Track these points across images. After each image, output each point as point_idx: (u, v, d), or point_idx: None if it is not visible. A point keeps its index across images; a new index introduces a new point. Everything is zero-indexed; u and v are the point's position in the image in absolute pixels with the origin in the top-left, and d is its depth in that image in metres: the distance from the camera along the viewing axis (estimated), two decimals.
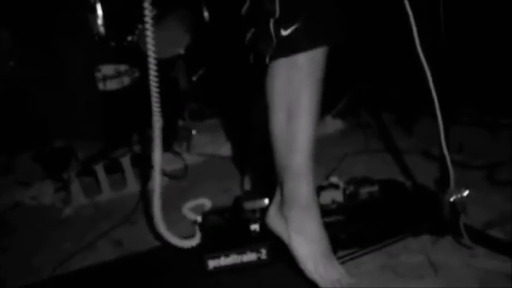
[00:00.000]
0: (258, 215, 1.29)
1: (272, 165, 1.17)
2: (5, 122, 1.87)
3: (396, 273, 1.16)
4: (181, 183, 1.78)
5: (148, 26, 1.14)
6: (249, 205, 1.31)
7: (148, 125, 1.86)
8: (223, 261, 1.23)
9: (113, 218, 1.61)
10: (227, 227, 1.32)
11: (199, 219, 1.37)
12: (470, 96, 1.88)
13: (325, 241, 1.14)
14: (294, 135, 1.08)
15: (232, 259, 1.23)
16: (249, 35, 1.12)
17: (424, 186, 1.41)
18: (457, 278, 1.12)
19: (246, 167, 1.64)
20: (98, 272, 1.35)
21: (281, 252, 1.21)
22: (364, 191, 1.37)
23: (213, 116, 2.15)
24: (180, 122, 2.04)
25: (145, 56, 1.93)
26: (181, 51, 2.06)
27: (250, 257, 1.22)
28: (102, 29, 1.91)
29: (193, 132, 2.03)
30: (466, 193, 1.19)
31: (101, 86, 1.82)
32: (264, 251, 1.22)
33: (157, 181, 1.26)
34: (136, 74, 1.88)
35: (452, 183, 1.20)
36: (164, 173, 1.83)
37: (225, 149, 1.96)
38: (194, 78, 2.15)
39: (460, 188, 1.21)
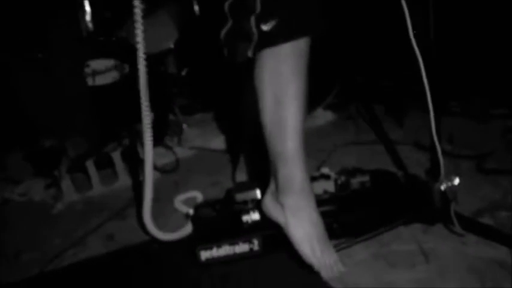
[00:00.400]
0: (250, 206, 1.29)
1: (264, 155, 1.19)
2: None
3: (388, 262, 1.17)
4: (172, 176, 1.78)
5: (137, 18, 1.14)
6: (240, 196, 1.30)
7: (139, 119, 1.87)
8: (216, 252, 1.23)
9: (104, 213, 1.60)
10: (219, 219, 1.32)
11: (191, 211, 1.37)
12: (460, 88, 1.88)
13: (321, 226, 1.15)
14: (284, 123, 1.11)
15: (225, 250, 1.23)
16: (224, 31, 1.17)
17: (415, 175, 1.41)
18: (449, 265, 1.12)
19: (237, 160, 1.64)
20: (89, 267, 1.34)
21: (273, 243, 1.22)
22: (356, 181, 1.37)
23: (203, 110, 2.15)
24: (171, 117, 2.03)
25: (134, 51, 1.92)
26: (171, 45, 2.05)
27: (242, 248, 1.22)
28: (90, 25, 1.89)
29: (184, 126, 2.02)
30: (456, 181, 1.19)
31: (90, 81, 1.80)
32: (256, 242, 1.22)
33: (148, 176, 1.28)
34: (126, 69, 1.87)
35: (442, 172, 1.21)
36: (155, 167, 1.82)
37: (216, 143, 1.96)
38: (184, 73, 2.14)
39: (450, 176, 1.21)
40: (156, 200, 1.62)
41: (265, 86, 1.12)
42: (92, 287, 1.25)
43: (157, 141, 1.91)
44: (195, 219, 1.34)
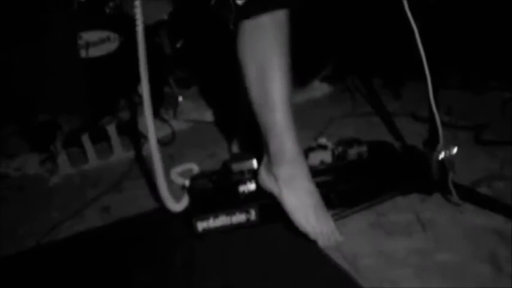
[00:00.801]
0: (246, 176, 1.28)
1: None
2: None
3: (385, 231, 1.17)
4: (168, 149, 1.76)
5: None
6: (237, 167, 1.30)
7: (133, 91, 1.85)
8: (212, 223, 1.22)
9: (100, 186, 1.59)
10: (216, 189, 1.31)
11: (187, 183, 1.36)
12: (458, 59, 1.87)
13: (316, 195, 1.15)
14: (270, 94, 1.12)
15: (221, 221, 1.22)
16: (213, 1, 1.18)
17: (413, 146, 1.41)
18: (446, 234, 1.13)
19: (234, 131, 1.63)
20: (85, 239, 1.33)
21: (270, 212, 1.21)
22: (353, 151, 1.36)
23: (198, 82, 2.12)
24: (166, 89, 2.01)
25: (129, 21, 1.88)
26: (165, 17, 2.01)
27: (239, 218, 1.22)
28: None
29: (180, 98, 2.00)
30: (455, 150, 1.19)
31: (83, 53, 1.77)
32: (253, 212, 1.22)
33: (154, 146, 1.26)
34: (120, 40, 1.83)
35: (441, 141, 1.20)
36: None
37: (212, 115, 1.94)
38: (178, 45, 2.11)
39: (448, 145, 1.21)
40: (151, 172, 1.64)
41: (248, 59, 1.14)
42: (89, 260, 1.24)
43: (153, 114, 1.89)
44: (191, 190, 1.33)
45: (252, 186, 1.27)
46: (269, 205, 1.20)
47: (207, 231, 1.22)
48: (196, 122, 1.93)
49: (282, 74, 1.11)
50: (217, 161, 1.59)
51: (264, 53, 1.11)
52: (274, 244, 1.18)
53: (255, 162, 1.29)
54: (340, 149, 1.37)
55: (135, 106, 1.81)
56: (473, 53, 1.89)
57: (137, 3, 1.18)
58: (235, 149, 1.60)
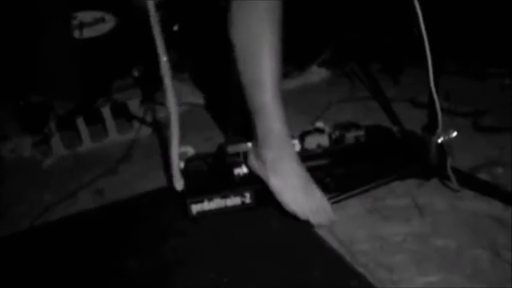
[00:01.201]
0: (241, 158, 1.26)
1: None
2: None
3: (382, 216, 1.15)
4: (164, 132, 1.74)
5: None
6: (232, 149, 1.27)
7: (128, 73, 1.82)
8: (207, 205, 1.21)
9: (94, 169, 1.56)
10: (210, 172, 1.29)
11: (182, 165, 1.34)
12: (458, 46, 1.84)
13: (304, 176, 1.14)
14: (259, 73, 1.10)
15: (216, 203, 1.20)
16: None
17: (411, 131, 1.39)
18: (443, 220, 1.11)
19: (230, 115, 1.61)
20: (78, 221, 1.31)
21: (265, 195, 1.20)
22: (350, 135, 1.34)
23: (194, 65, 2.10)
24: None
25: (124, 2, 1.85)
26: None
27: (234, 201, 1.20)
28: None
29: (176, 82, 1.97)
30: (454, 134, 1.17)
31: (77, 34, 1.74)
32: (248, 195, 1.20)
33: (174, 124, 1.26)
34: (115, 21, 1.80)
35: (440, 125, 1.18)
36: (146, 123, 1.79)
37: (207, 98, 1.92)
38: (175, 28, 2.08)
39: (447, 130, 1.19)
40: (147, 154, 1.63)
41: (238, 36, 1.12)
42: (81, 242, 1.22)
43: (148, 97, 1.87)
44: (185, 173, 1.31)
45: (247, 169, 1.25)
46: (264, 188, 1.18)
47: (202, 214, 1.21)
48: (192, 105, 1.90)
49: (273, 52, 1.09)
50: (213, 144, 1.56)
51: (255, 30, 1.09)
52: (269, 228, 1.16)
53: (250, 145, 1.27)
54: (337, 132, 1.35)
55: (129, 88, 1.78)
56: (473, 39, 1.87)
57: None
58: (231, 132, 1.58)
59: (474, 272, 0.96)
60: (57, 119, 1.69)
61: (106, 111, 1.70)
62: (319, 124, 1.38)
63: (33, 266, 1.17)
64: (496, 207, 1.12)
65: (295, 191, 1.12)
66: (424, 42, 1.21)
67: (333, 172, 1.25)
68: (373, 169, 1.27)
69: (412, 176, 1.26)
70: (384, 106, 1.70)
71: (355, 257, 1.04)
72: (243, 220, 1.19)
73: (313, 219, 1.11)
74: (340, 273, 0.99)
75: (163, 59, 1.23)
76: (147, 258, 1.12)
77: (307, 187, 1.13)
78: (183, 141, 1.63)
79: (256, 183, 1.20)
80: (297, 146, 1.33)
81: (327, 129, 1.36)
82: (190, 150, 1.55)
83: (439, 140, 1.17)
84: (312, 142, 1.33)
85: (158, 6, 2.01)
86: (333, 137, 1.34)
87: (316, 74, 2.01)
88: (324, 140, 1.34)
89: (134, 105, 1.75)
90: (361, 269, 0.99)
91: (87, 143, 1.70)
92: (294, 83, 1.95)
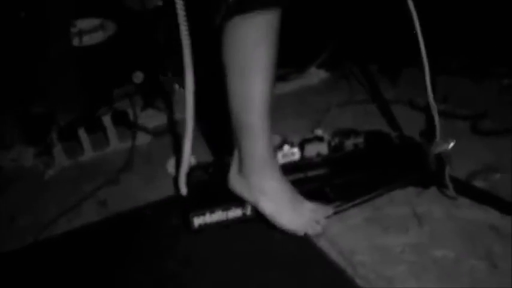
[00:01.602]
0: None
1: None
2: None
3: (381, 226, 1.17)
4: (164, 139, 1.75)
5: None
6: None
7: (128, 80, 1.83)
8: (209, 218, 1.22)
9: (96, 179, 1.57)
10: (212, 183, 1.31)
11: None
12: (457, 45, 1.84)
13: (291, 193, 1.16)
14: (249, 93, 1.09)
15: (218, 216, 1.22)
16: None
17: (410, 137, 1.40)
18: (441, 229, 1.13)
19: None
20: (83, 234, 1.33)
21: None
22: (350, 142, 1.36)
23: (195, 71, 2.09)
24: (162, 78, 1.98)
25: (124, 9, 1.84)
26: (159, 3, 1.97)
27: (235, 213, 1.22)
28: None
29: (176, 87, 1.98)
30: (452, 145, 1.18)
31: (76, 41, 1.74)
32: (249, 207, 1.21)
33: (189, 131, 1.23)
34: (114, 28, 1.80)
35: (438, 136, 1.20)
36: (146, 130, 1.80)
37: (208, 105, 1.92)
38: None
39: (446, 139, 1.20)
40: (148, 162, 1.64)
41: (231, 56, 1.10)
42: (86, 255, 1.24)
43: (149, 103, 1.88)
44: (187, 183, 1.33)
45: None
46: None
47: (204, 227, 1.23)
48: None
49: (265, 74, 1.08)
50: (215, 152, 1.58)
51: (250, 51, 1.07)
52: (270, 240, 1.18)
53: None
54: (336, 140, 1.37)
55: (131, 96, 1.79)
56: (473, 38, 1.87)
57: None
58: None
59: (472, 283, 0.98)
60: (59, 129, 1.70)
61: (107, 120, 1.71)
62: (318, 132, 1.40)
63: (38, 281, 1.19)
64: (493, 215, 1.14)
65: (287, 210, 1.14)
66: (421, 49, 1.23)
67: (333, 182, 1.27)
68: (372, 178, 1.28)
69: (410, 184, 1.27)
70: (382, 109, 1.71)
71: (355, 268, 1.05)
72: (244, 232, 1.21)
73: (310, 232, 1.14)
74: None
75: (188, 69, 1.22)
76: (151, 271, 1.14)
77: (297, 203, 1.15)
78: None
79: None
80: (297, 154, 1.35)
81: (326, 136, 1.38)
82: (191, 160, 1.57)
83: (437, 150, 1.19)
84: (312, 150, 1.35)
85: (158, 11, 2.02)
86: (332, 144, 1.36)
87: (315, 75, 2.01)
88: (323, 148, 1.35)
89: (135, 113, 1.76)
90: (361, 281, 1.01)
91: (88, 152, 1.71)
92: (292, 85, 1.95)
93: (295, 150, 1.35)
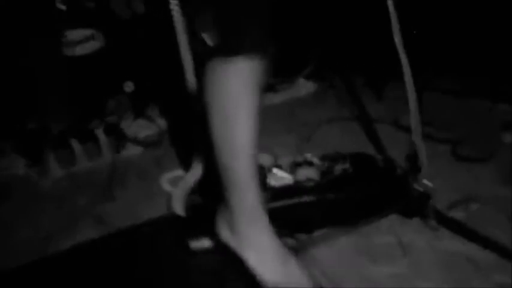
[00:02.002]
0: None
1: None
2: None
3: (369, 255, 1.24)
4: (156, 151, 1.79)
5: None
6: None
7: (120, 91, 1.84)
8: (207, 242, 1.28)
9: (90, 191, 1.61)
10: (211, 205, 1.34)
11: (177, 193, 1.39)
12: (443, 62, 1.90)
13: (278, 249, 1.11)
14: (234, 139, 1.04)
15: (215, 240, 1.28)
16: None
17: (394, 164, 1.46)
18: (424, 260, 1.21)
19: None
20: (82, 251, 1.37)
21: None
22: (339, 167, 1.42)
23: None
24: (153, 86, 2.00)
25: (114, 19, 1.83)
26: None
27: None
28: None
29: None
30: (432, 184, 1.26)
31: (67, 52, 1.75)
32: None
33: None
34: (104, 38, 1.81)
35: (423, 170, 1.27)
36: (137, 141, 1.82)
37: None
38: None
39: (429, 173, 1.28)
40: (141, 177, 1.68)
41: (214, 99, 1.04)
42: (85, 274, 1.28)
43: (139, 112, 1.90)
44: (186, 204, 1.37)
45: None
46: None
47: (201, 250, 1.28)
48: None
49: (250, 119, 1.02)
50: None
51: (233, 94, 1.02)
52: None
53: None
54: (326, 164, 1.43)
55: (123, 107, 1.81)
56: (459, 56, 1.93)
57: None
58: None
59: None
60: (52, 138, 1.72)
61: (100, 133, 1.73)
62: (308, 156, 1.46)
63: None
64: (471, 248, 1.23)
65: (277, 270, 1.09)
66: (405, 73, 1.28)
67: (322, 208, 1.33)
68: (359, 205, 1.36)
69: (395, 212, 1.35)
70: (368, 127, 1.78)
71: None
72: (239, 258, 1.27)
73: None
74: None
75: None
76: None
77: (283, 260, 1.10)
78: (176, 161, 1.71)
79: None
80: (288, 179, 1.41)
81: (316, 160, 1.44)
82: (186, 176, 1.62)
83: (421, 188, 1.27)
84: (302, 174, 1.41)
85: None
86: (322, 169, 1.42)
87: (303, 87, 2.06)
88: (313, 173, 1.41)
89: (127, 125, 1.79)
90: None
91: (81, 162, 1.74)
92: (281, 97, 2.00)
93: (286, 175, 1.40)
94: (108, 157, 1.76)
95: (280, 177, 1.40)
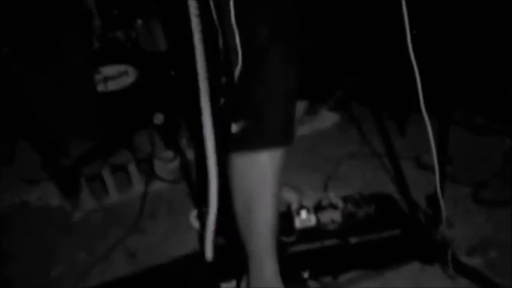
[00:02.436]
0: None
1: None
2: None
3: None
4: (184, 183, 1.84)
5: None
6: None
7: (151, 125, 1.91)
8: (235, 285, 1.35)
9: (122, 223, 1.69)
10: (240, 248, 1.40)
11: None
12: (463, 97, 1.91)
13: None
14: (254, 224, 1.15)
15: (244, 284, 1.33)
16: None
17: (416, 209, 1.52)
18: None
19: None
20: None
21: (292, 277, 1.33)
22: (362, 212, 1.47)
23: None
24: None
25: (145, 55, 1.90)
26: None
27: None
28: (98, 24, 1.88)
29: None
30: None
31: (101, 87, 1.82)
32: None
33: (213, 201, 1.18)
34: (137, 74, 1.88)
35: (444, 222, 1.32)
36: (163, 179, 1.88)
37: None
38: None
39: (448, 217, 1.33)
40: (170, 211, 1.74)
41: (235, 184, 1.14)
42: None
43: (169, 144, 1.96)
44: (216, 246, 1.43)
45: None
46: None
47: None
48: None
49: (269, 209, 1.13)
50: None
51: (253, 186, 1.11)
52: None
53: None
54: (349, 207, 1.49)
55: (152, 139, 1.87)
56: (480, 89, 1.96)
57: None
58: None
59: None
60: (85, 171, 1.79)
61: (132, 168, 1.80)
62: (332, 196, 1.51)
63: None
64: None
65: None
66: (423, 112, 1.29)
67: (347, 253, 1.39)
68: (383, 251, 1.41)
69: (415, 259, 1.40)
70: (390, 165, 1.82)
71: None
72: None
73: None
74: None
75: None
76: None
77: None
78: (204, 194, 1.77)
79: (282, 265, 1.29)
80: (313, 221, 1.46)
81: (340, 203, 1.49)
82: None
83: (441, 238, 1.32)
84: (327, 217, 1.46)
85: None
86: (346, 212, 1.47)
87: (327, 118, 2.09)
88: (337, 216, 1.47)
89: (156, 157, 1.85)
90: None
91: (113, 195, 1.81)
92: (306, 129, 2.02)
93: (312, 217, 1.46)
94: (139, 189, 1.83)
95: (306, 219, 1.45)
